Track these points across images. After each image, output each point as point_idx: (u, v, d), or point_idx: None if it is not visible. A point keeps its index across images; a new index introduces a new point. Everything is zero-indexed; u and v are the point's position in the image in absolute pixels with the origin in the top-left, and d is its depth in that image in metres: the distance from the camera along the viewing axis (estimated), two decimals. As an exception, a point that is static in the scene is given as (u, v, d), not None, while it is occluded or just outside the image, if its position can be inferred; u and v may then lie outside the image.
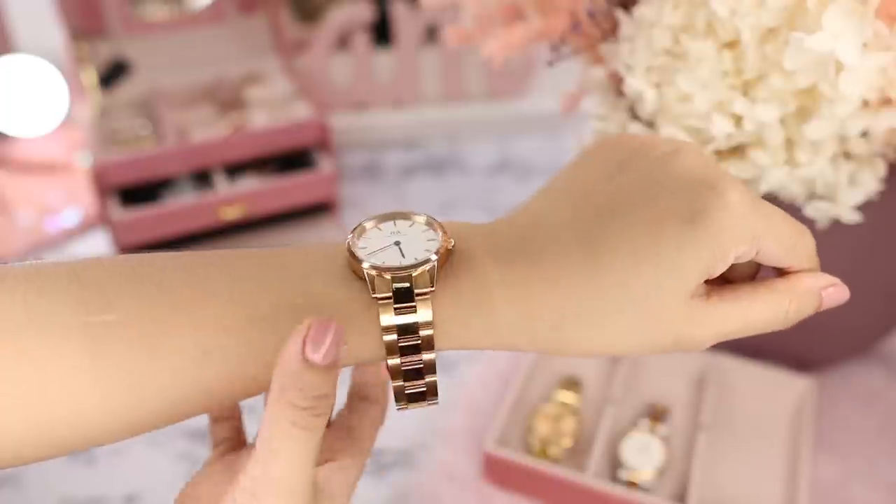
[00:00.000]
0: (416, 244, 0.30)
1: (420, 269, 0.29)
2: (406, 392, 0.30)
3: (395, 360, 0.29)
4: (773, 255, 0.31)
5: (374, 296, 0.29)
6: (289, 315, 0.29)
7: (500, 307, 0.29)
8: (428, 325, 0.29)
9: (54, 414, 0.27)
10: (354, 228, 0.31)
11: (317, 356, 0.26)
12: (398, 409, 0.31)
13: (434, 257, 0.29)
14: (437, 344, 0.29)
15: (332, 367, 0.27)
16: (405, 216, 0.32)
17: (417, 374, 0.30)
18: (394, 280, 0.29)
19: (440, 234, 0.30)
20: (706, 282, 0.30)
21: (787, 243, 0.31)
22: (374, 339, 0.29)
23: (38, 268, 0.29)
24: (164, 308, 0.28)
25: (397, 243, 0.30)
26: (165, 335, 0.28)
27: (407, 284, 0.29)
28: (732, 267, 0.32)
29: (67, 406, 0.27)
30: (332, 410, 0.30)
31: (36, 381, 0.27)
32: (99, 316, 0.28)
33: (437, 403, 0.31)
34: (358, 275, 0.29)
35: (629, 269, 0.28)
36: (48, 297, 0.28)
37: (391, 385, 0.30)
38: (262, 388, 0.30)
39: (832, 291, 0.32)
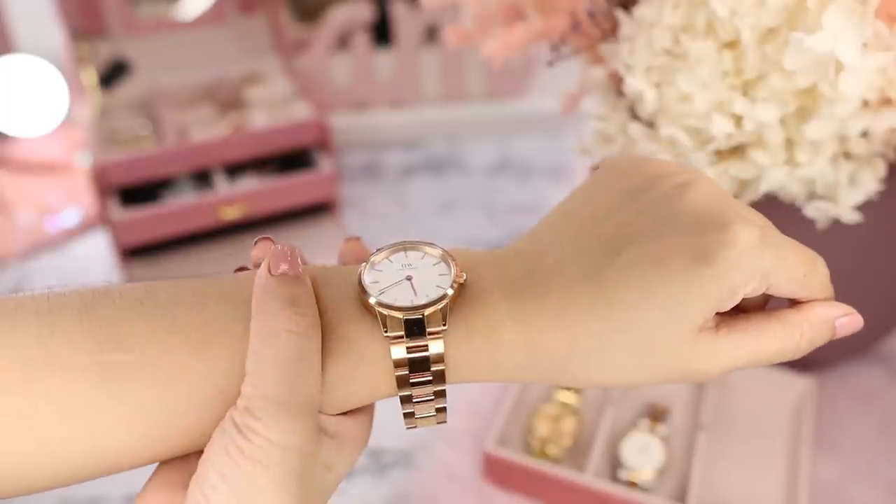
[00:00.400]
0: (428, 280, 0.30)
1: (432, 309, 0.29)
2: (416, 417, 0.31)
3: (406, 392, 0.30)
4: (783, 288, 0.30)
5: (385, 335, 0.29)
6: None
7: (508, 344, 0.30)
8: (440, 360, 0.29)
9: (75, 449, 0.28)
10: (365, 264, 0.31)
11: (284, 266, 0.28)
12: (407, 428, 0.32)
13: (449, 292, 0.29)
14: (447, 378, 0.30)
15: (298, 277, 0.29)
16: (416, 247, 0.32)
17: (429, 402, 0.30)
18: (406, 322, 0.29)
19: (452, 269, 0.30)
20: (717, 313, 0.30)
21: (798, 277, 0.30)
22: (386, 373, 0.29)
23: (50, 301, 0.29)
24: (178, 350, 0.28)
25: (409, 278, 0.30)
26: (182, 377, 0.28)
27: (420, 322, 0.29)
28: (743, 298, 0.31)
29: (88, 443, 0.28)
30: (318, 323, 0.29)
31: (58, 421, 0.27)
32: (112, 356, 0.28)
33: (445, 422, 0.32)
34: (369, 310, 0.29)
35: (635, 307, 0.28)
36: (61, 335, 0.28)
37: (401, 410, 0.31)
38: None
39: (846, 321, 0.32)
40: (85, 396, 0.27)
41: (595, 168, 0.34)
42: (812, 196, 0.46)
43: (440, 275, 0.30)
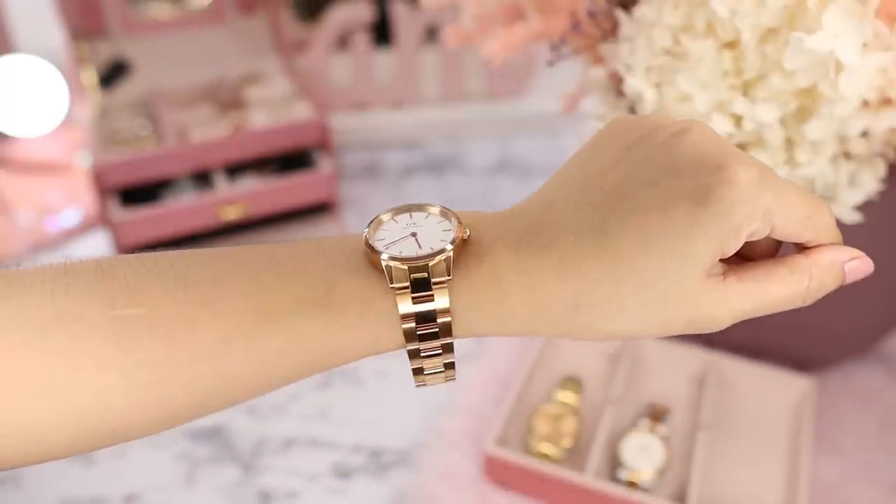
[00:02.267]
0: (432, 234, 0.31)
1: (437, 259, 0.29)
2: (425, 373, 0.31)
3: (413, 346, 0.30)
4: (788, 230, 0.30)
5: (391, 286, 0.30)
6: (311, 309, 0.30)
7: (514, 294, 0.30)
8: (445, 312, 0.30)
9: (82, 405, 0.28)
10: (371, 221, 0.32)
11: None
12: (416, 385, 0.32)
13: (450, 247, 0.30)
14: (454, 331, 0.30)
15: None
16: (420, 208, 0.33)
17: (436, 356, 0.31)
18: (411, 270, 0.29)
19: (455, 223, 0.31)
20: (723, 260, 0.30)
21: (801, 217, 0.30)
22: (394, 326, 0.30)
23: (66, 266, 0.30)
24: (188, 302, 0.29)
25: (413, 234, 0.31)
26: (189, 327, 0.29)
27: (424, 274, 0.29)
28: (750, 245, 0.31)
29: (95, 398, 0.28)
30: None
31: (65, 375, 0.28)
32: (125, 310, 0.28)
33: (454, 380, 0.32)
34: (376, 266, 0.30)
35: (640, 255, 0.28)
36: (75, 294, 0.29)
37: (410, 366, 0.31)
38: (287, 381, 0.31)
39: (856, 265, 0.32)
40: (93, 350, 0.28)
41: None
42: (812, 196, 0.46)
43: (444, 230, 0.31)
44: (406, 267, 0.29)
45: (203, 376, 0.29)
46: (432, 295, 0.29)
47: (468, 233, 0.31)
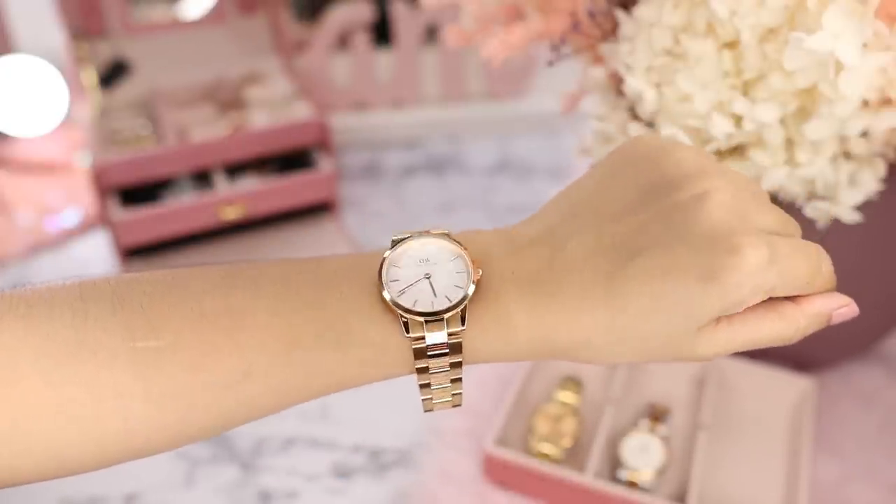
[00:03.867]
0: (447, 279, 0.32)
1: (452, 313, 0.31)
2: (434, 402, 0.33)
3: (425, 381, 0.32)
4: (787, 294, 0.31)
5: (407, 336, 0.31)
6: (329, 348, 0.31)
7: (522, 338, 0.31)
8: (457, 357, 0.31)
9: (104, 431, 0.29)
10: (383, 260, 0.32)
11: None
12: (425, 410, 0.34)
13: (469, 293, 0.31)
14: (463, 363, 0.32)
15: None
16: (433, 239, 0.33)
17: (445, 390, 0.33)
18: (427, 323, 0.31)
19: (469, 266, 0.32)
20: None
21: (802, 285, 0.31)
22: (406, 362, 0.31)
23: (82, 289, 0.30)
24: (207, 334, 0.30)
25: (427, 276, 0.32)
26: (210, 359, 0.30)
27: (441, 329, 0.31)
28: None
29: (118, 424, 0.29)
30: None
31: (87, 404, 0.29)
32: (145, 342, 0.29)
33: (460, 406, 0.34)
34: (390, 310, 0.31)
35: (645, 317, 0.30)
36: (94, 323, 0.29)
37: (420, 396, 0.33)
38: (308, 398, 0.32)
39: (843, 312, 0.33)
40: (116, 379, 0.29)
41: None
42: (812, 196, 0.46)
43: (457, 272, 0.32)
44: (422, 320, 0.31)
45: (223, 402, 0.30)
46: (446, 344, 0.31)
47: (480, 273, 0.32)
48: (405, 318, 0.31)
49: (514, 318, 0.31)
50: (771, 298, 0.31)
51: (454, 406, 0.34)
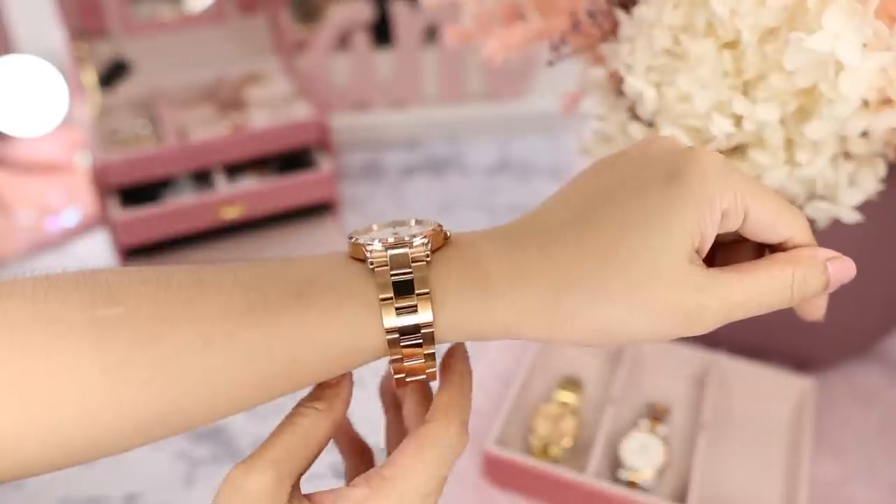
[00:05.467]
0: (412, 231, 0.32)
1: (416, 240, 0.30)
2: (405, 364, 0.31)
3: (391, 321, 0.30)
4: (762, 219, 0.31)
5: (369, 259, 0.30)
6: (293, 301, 0.29)
7: (495, 279, 0.30)
8: (424, 287, 0.30)
9: (62, 410, 0.28)
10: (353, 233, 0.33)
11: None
12: (395, 381, 0.32)
13: (428, 229, 0.31)
14: (435, 310, 0.30)
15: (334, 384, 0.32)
16: (402, 222, 0.34)
17: (417, 347, 0.30)
18: (388, 247, 0.30)
19: (435, 223, 0.32)
20: (708, 264, 0.30)
21: (773, 207, 0.31)
22: (372, 304, 0.30)
23: (49, 274, 0.29)
24: (169, 302, 0.29)
25: (395, 233, 0.32)
26: (169, 327, 0.28)
27: (403, 250, 0.30)
28: (733, 250, 0.33)
29: (75, 401, 0.28)
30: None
31: (43, 376, 0.27)
32: (105, 310, 0.28)
33: (434, 376, 0.32)
34: (358, 257, 0.31)
35: (620, 233, 0.29)
36: (56, 296, 0.28)
37: (391, 363, 0.31)
38: (270, 385, 0.30)
39: (838, 265, 0.32)
40: (71, 349, 0.28)
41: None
42: (812, 196, 0.46)
43: (423, 228, 0.32)
44: (384, 249, 0.30)
45: (183, 377, 0.29)
46: (411, 271, 0.30)
47: (449, 233, 0.32)
48: (369, 251, 0.30)
49: (487, 261, 0.30)
50: (765, 258, 0.31)
51: (428, 371, 0.31)
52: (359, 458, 0.37)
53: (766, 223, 0.31)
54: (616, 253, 0.29)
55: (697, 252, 0.30)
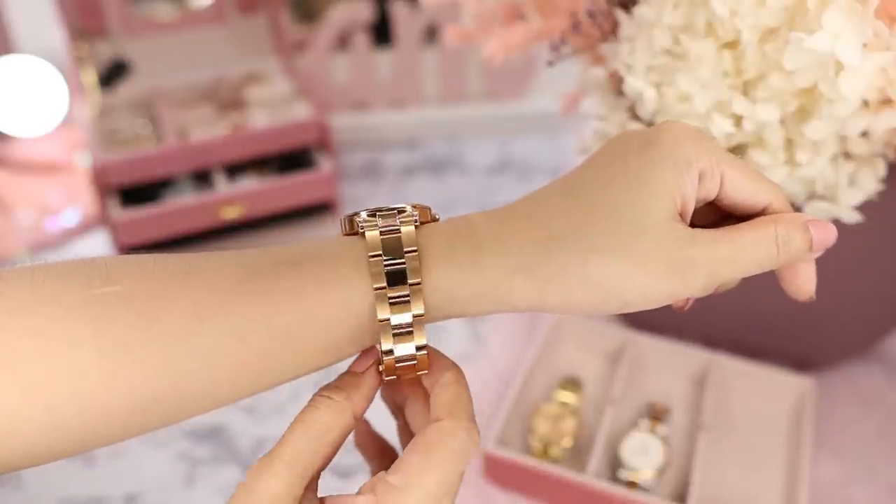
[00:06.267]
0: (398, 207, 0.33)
1: (406, 210, 0.31)
2: (393, 333, 0.30)
3: (381, 287, 0.30)
4: (740, 185, 0.31)
5: (359, 221, 0.31)
6: (288, 270, 0.30)
7: (484, 238, 0.30)
8: (412, 245, 0.30)
9: (56, 391, 0.28)
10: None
11: (352, 366, 0.31)
12: (384, 361, 0.31)
13: (415, 203, 0.32)
14: (423, 273, 0.30)
15: (356, 372, 0.32)
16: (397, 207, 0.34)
17: (405, 305, 0.30)
18: (379, 214, 0.31)
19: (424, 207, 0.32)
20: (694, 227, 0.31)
21: (749, 173, 0.32)
22: (363, 275, 0.30)
23: (49, 261, 0.30)
24: (165, 279, 0.29)
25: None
26: (164, 302, 0.29)
27: (393, 222, 0.31)
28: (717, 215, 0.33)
29: (70, 382, 0.28)
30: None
31: (38, 357, 0.27)
32: (101, 288, 0.28)
33: (425, 355, 0.31)
34: (350, 231, 0.31)
35: (604, 189, 0.30)
36: (55, 278, 0.29)
37: (380, 345, 0.31)
38: (269, 350, 0.30)
39: (820, 226, 0.32)
40: (68, 330, 0.28)
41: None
42: (812, 196, 0.46)
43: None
44: (379, 223, 0.30)
45: (180, 357, 0.28)
46: (399, 228, 0.30)
47: (438, 215, 0.32)
48: (362, 222, 0.31)
49: (476, 225, 0.31)
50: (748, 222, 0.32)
51: (418, 353, 0.31)
52: (383, 460, 0.36)
53: (745, 188, 0.32)
54: (602, 210, 0.30)
55: (681, 216, 0.31)
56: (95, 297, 0.28)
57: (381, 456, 0.36)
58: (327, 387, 0.32)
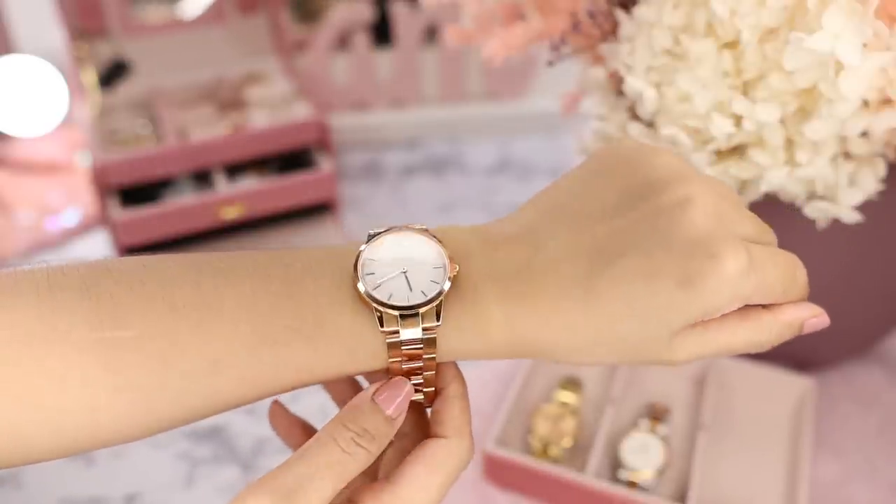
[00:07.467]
0: (423, 274, 0.31)
1: (427, 308, 0.30)
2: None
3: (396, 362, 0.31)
4: (762, 302, 0.32)
5: (382, 330, 0.30)
6: (300, 340, 0.30)
7: (497, 335, 0.31)
8: (431, 352, 0.31)
9: (69, 421, 0.29)
10: (359, 253, 0.32)
11: (385, 404, 0.30)
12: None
13: (445, 288, 0.31)
14: (437, 360, 0.31)
15: (392, 419, 0.31)
16: (409, 233, 0.33)
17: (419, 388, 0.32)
18: (402, 317, 0.30)
19: (446, 262, 0.31)
20: None
21: (778, 294, 0.32)
22: (380, 357, 0.31)
23: (50, 277, 0.30)
24: (176, 326, 0.29)
25: (404, 272, 0.31)
26: (178, 351, 0.29)
27: (416, 325, 0.30)
28: None
29: (82, 415, 0.29)
30: (375, 461, 0.31)
31: (53, 393, 0.28)
32: (113, 332, 0.29)
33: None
34: (365, 304, 0.31)
35: (622, 319, 0.30)
36: (62, 312, 0.29)
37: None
38: (280, 391, 0.31)
39: (814, 322, 0.33)
40: (82, 370, 0.28)
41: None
42: (812, 196, 0.46)
43: (434, 268, 0.31)
44: (397, 314, 0.30)
45: (190, 395, 0.30)
46: (421, 340, 0.31)
47: (457, 269, 0.31)
48: (380, 311, 0.30)
49: (491, 317, 0.31)
50: (746, 306, 0.32)
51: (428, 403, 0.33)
52: (301, 438, 0.37)
53: (764, 303, 0.32)
54: (613, 334, 0.31)
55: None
56: (107, 339, 0.29)
57: (300, 434, 0.37)
58: (361, 434, 0.30)
